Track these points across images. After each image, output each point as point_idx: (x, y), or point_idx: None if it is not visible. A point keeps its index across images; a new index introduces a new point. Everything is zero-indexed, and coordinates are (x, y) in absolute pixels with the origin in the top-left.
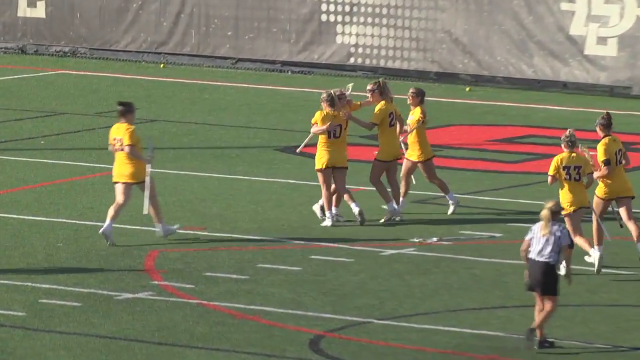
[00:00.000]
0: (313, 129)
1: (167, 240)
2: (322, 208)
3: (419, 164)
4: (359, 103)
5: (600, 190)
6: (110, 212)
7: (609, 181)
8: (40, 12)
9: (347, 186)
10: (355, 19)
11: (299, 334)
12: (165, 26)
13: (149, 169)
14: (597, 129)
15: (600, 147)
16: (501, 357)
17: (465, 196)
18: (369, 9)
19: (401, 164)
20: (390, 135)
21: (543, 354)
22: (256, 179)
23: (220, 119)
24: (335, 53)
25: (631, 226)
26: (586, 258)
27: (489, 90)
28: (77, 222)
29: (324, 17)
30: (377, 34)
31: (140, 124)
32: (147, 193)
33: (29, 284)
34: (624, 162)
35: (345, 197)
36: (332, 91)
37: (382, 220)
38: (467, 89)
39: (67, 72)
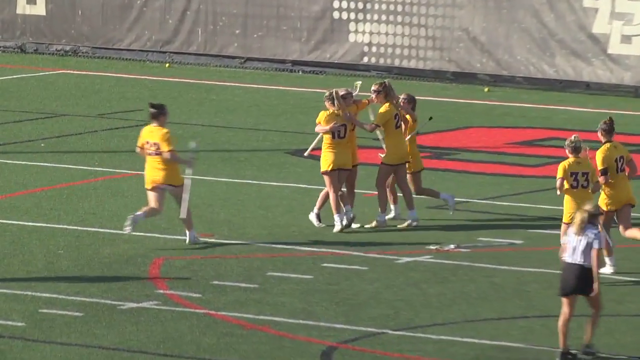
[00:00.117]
0: (316, 129)
1: (172, 248)
2: (317, 216)
3: (407, 174)
4: (366, 101)
5: (602, 201)
6: (144, 207)
7: (612, 191)
8: (40, 9)
9: (357, 190)
10: (368, 17)
11: (310, 346)
12: (170, 24)
13: (190, 171)
14: (599, 134)
15: (599, 155)
16: None
17: (484, 201)
18: (383, 6)
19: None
20: (396, 138)
21: None
22: (266, 184)
23: (228, 121)
24: (348, 52)
25: (634, 233)
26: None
27: (508, 90)
28: (79, 228)
29: (336, 15)
30: (392, 32)
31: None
32: (185, 196)
33: (29, 292)
34: (627, 169)
35: (340, 198)
36: (335, 90)
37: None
38: (486, 89)
39: (68, 72)
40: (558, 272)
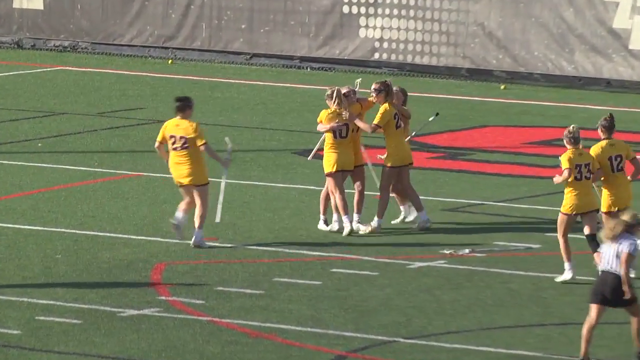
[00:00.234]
0: (318, 128)
1: (175, 252)
2: (325, 221)
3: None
4: (372, 100)
5: (604, 202)
6: (196, 221)
7: (612, 190)
8: (37, 3)
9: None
10: (380, 11)
11: (318, 354)
12: (173, 19)
13: (225, 171)
14: (599, 130)
15: (592, 152)
16: None
17: (500, 204)
18: (395, 0)
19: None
20: (397, 139)
21: None
22: (272, 185)
23: (233, 120)
24: (359, 48)
25: None
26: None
27: (526, 88)
28: (77, 231)
29: (345, 9)
30: (404, 27)
31: (145, 124)
32: (221, 198)
33: (25, 299)
34: (632, 167)
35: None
36: (337, 88)
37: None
38: (502, 87)
39: (66, 68)
40: (576, 278)
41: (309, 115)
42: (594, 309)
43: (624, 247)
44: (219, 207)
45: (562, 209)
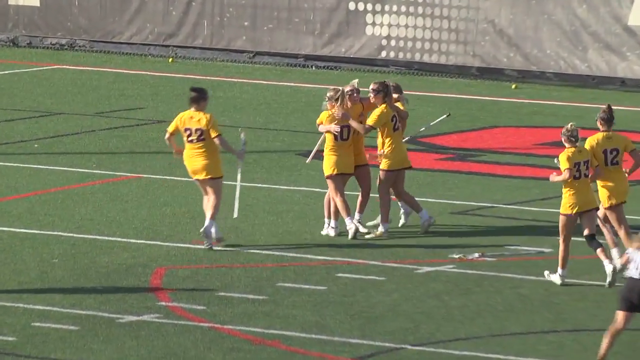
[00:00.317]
0: (319, 129)
1: (175, 257)
2: (334, 228)
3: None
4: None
5: (602, 196)
6: (208, 211)
7: (606, 185)
8: None
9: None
10: (387, 8)
11: None
12: (174, 16)
13: (241, 164)
14: (597, 123)
15: (586, 144)
16: None
17: (511, 206)
18: None
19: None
20: (395, 141)
21: None
22: (276, 187)
23: (235, 120)
24: (365, 46)
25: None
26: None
27: (538, 87)
28: (75, 235)
29: (352, 6)
30: (412, 24)
31: (145, 124)
32: (237, 193)
33: (21, 305)
34: (619, 162)
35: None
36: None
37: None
38: (513, 86)
39: (64, 67)
40: (589, 282)
41: (313, 115)
42: (620, 315)
43: None
44: (236, 202)
45: (561, 210)
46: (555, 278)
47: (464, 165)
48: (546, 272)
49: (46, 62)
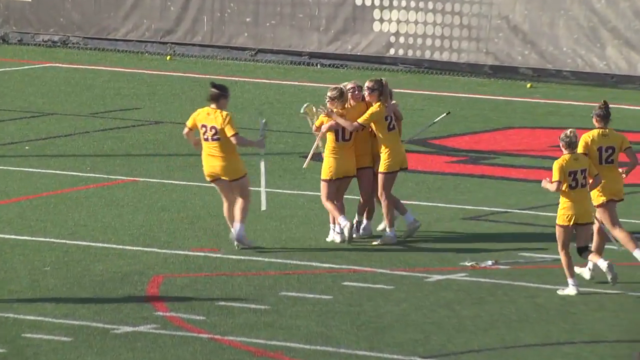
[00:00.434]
0: (322, 129)
1: (173, 264)
2: (356, 227)
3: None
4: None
5: (593, 195)
6: (237, 214)
7: (602, 181)
8: None
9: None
10: (395, 3)
11: None
12: (172, 11)
13: (263, 151)
14: (594, 120)
15: (581, 142)
16: None
17: (526, 212)
18: None
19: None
20: (391, 141)
21: None
22: (279, 191)
23: (237, 120)
24: (373, 43)
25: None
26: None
27: (554, 86)
28: (68, 242)
29: (359, 1)
30: (422, 20)
31: (142, 125)
32: (264, 183)
33: (11, 315)
34: (614, 161)
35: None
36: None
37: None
38: (528, 85)
39: (56, 65)
40: (607, 291)
41: None
42: None
43: None
44: (263, 194)
45: (557, 221)
46: (569, 290)
47: (476, 168)
48: (559, 291)
49: (38, 60)
